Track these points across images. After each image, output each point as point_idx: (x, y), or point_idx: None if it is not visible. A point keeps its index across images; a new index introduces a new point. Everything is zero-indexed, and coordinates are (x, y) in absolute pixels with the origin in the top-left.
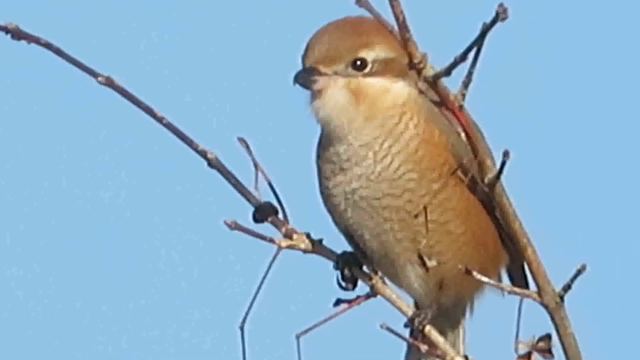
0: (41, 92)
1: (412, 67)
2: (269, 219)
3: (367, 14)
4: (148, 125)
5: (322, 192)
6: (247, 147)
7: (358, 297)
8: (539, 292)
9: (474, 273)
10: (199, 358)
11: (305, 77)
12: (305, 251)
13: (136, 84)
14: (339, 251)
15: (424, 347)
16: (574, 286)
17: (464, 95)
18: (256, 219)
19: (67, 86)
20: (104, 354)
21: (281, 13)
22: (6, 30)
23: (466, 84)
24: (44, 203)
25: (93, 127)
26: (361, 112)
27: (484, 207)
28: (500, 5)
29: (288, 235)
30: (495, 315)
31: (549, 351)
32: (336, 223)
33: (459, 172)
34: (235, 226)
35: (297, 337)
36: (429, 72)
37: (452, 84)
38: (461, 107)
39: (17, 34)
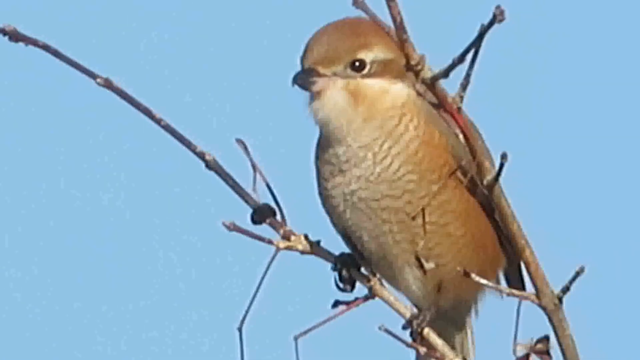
0: (40, 94)
1: (409, 69)
2: (267, 221)
3: (365, 16)
4: (146, 127)
5: (320, 194)
6: (245, 148)
7: (356, 298)
8: (537, 294)
9: (473, 275)
10: (198, 359)
11: (304, 78)
12: (303, 252)
13: (136, 84)
14: (337, 253)
15: (422, 350)
16: (572, 288)
17: (462, 97)
18: (254, 221)
19: (65, 88)
20: (103, 355)
21: (281, 13)
22: (4, 32)
23: (464, 86)
24: (43, 204)
25: (92, 128)
26: (360, 114)
27: (483, 210)
28: (498, 7)
29: (286, 237)
30: (493, 317)
31: (547, 353)
32: (334, 224)
33: (459, 174)
34: (233, 227)
35: (295, 338)
36: (427, 74)
37: (450, 86)
38: (459, 109)
39: (15, 36)
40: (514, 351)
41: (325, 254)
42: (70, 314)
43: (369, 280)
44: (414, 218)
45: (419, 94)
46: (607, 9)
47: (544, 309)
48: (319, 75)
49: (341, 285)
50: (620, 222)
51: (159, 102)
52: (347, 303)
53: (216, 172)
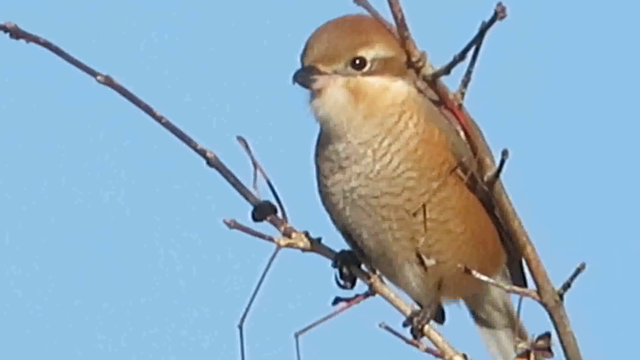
0: (40, 91)
1: (410, 65)
2: (268, 218)
3: (366, 13)
4: (147, 124)
5: (320, 191)
6: (246, 146)
7: (357, 295)
8: (539, 290)
9: (474, 272)
10: (198, 356)
11: (305, 76)
12: (304, 250)
13: (136, 84)
14: (337, 250)
15: (422, 347)
16: (573, 285)
17: (463, 94)
18: (255, 218)
19: (66, 85)
20: (104, 352)
21: (281, 13)
22: (5, 29)
23: (465, 83)
24: (43, 201)
25: (92, 126)
26: (360, 111)
27: (484, 206)
28: (499, 4)
29: (287, 234)
30: None
31: (549, 350)
32: (334, 222)
33: (459, 171)
34: (234, 225)
35: (296, 335)
36: (428, 70)
37: (451, 83)
38: (460, 105)
39: (16, 33)
40: (515, 348)
41: (326, 251)
42: (71, 311)
43: (369, 278)
44: (414, 215)
45: (420, 91)
46: (608, 7)
47: (545, 305)
48: (320, 73)
49: (342, 282)
50: (621, 219)
51: (159, 102)
52: (348, 300)
53: (217, 169)
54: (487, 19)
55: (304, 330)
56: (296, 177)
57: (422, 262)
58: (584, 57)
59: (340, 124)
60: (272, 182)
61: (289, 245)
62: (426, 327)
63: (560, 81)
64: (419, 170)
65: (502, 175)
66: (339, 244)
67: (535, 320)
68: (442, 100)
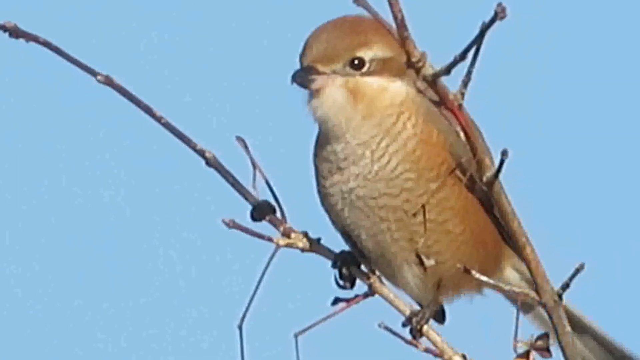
0: (40, 90)
1: (410, 66)
2: (267, 218)
3: (365, 13)
4: (147, 124)
5: (319, 192)
6: (245, 146)
7: (356, 296)
8: (538, 291)
9: (473, 272)
10: (198, 357)
11: (303, 76)
12: (303, 250)
13: (136, 84)
14: (337, 250)
15: (421, 347)
16: (572, 285)
17: (463, 95)
18: (254, 218)
19: (66, 85)
20: (103, 352)
21: (281, 13)
22: (4, 28)
23: (465, 83)
24: (43, 201)
25: (92, 125)
26: (359, 111)
27: (483, 205)
28: (499, 4)
29: (286, 234)
30: (494, 313)
31: (547, 350)
32: (333, 222)
33: (458, 171)
34: (233, 225)
35: (296, 336)
36: (428, 71)
37: (451, 83)
38: (460, 106)
39: (16, 33)
40: (514, 348)
41: (325, 252)
42: (70, 311)
43: (368, 278)
44: (414, 215)
45: (419, 91)
46: (608, 7)
47: (544, 305)
48: (318, 73)
49: (341, 282)
50: (620, 219)
51: (159, 102)
52: (347, 300)
53: (216, 169)
54: (487, 19)
55: (304, 330)
56: (295, 177)
57: (421, 263)
58: (584, 57)
59: (338, 124)
60: (271, 182)
61: (288, 246)
62: (425, 327)
63: (560, 81)
64: (417, 171)
65: (501, 176)
66: (339, 244)
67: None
68: (442, 101)
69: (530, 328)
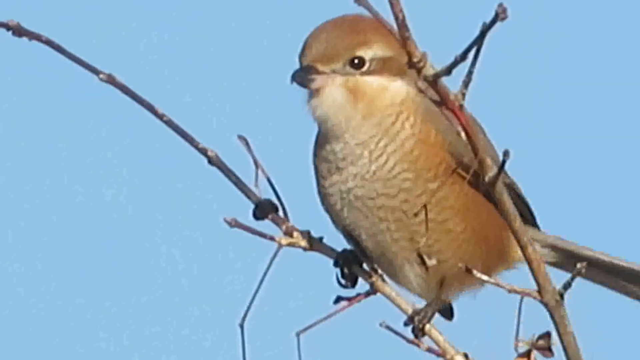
0: (42, 89)
1: (411, 66)
2: (269, 217)
3: (365, 13)
4: (149, 123)
5: (319, 192)
6: (247, 144)
7: (358, 294)
8: (539, 290)
9: (474, 272)
10: (199, 355)
11: (303, 76)
12: (305, 249)
13: (136, 84)
14: (339, 249)
15: (423, 346)
16: (573, 284)
17: (464, 95)
18: (256, 217)
19: (68, 83)
20: (106, 350)
21: (281, 13)
22: (7, 27)
23: (466, 84)
24: (46, 200)
25: (94, 124)
26: (359, 111)
27: (485, 201)
28: (500, 5)
29: (288, 233)
30: (495, 313)
31: (549, 349)
32: (334, 222)
33: (459, 171)
34: (235, 224)
35: (297, 334)
36: (429, 71)
37: (452, 84)
38: (461, 106)
39: (19, 31)
40: (516, 347)
41: (328, 250)
42: (73, 309)
43: (370, 277)
44: (415, 215)
45: (420, 91)
46: (609, 7)
47: (545, 305)
48: (318, 72)
49: (343, 281)
50: (621, 218)
51: (159, 102)
52: (349, 299)
53: (218, 167)
54: (488, 19)
55: (305, 329)
56: (297, 176)
57: (423, 263)
58: (585, 57)
59: (338, 124)
60: (273, 181)
61: (290, 245)
62: (427, 327)
63: (560, 81)
64: (415, 172)
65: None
66: (341, 243)
67: (536, 319)
68: (443, 101)
69: (532, 327)
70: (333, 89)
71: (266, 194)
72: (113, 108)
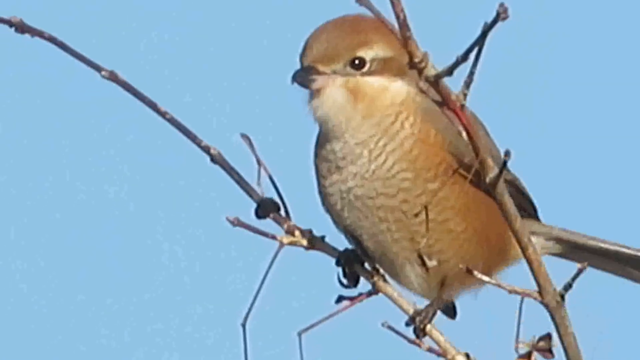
0: (45, 85)
1: (413, 66)
2: (271, 216)
3: (366, 13)
4: (151, 120)
5: (320, 192)
6: (250, 143)
7: (360, 294)
8: (540, 291)
9: (475, 272)
10: (201, 354)
11: (304, 76)
12: (307, 248)
13: (136, 84)
14: (341, 248)
15: (424, 346)
16: (574, 286)
17: (465, 95)
18: (258, 215)
19: (70, 80)
20: (108, 348)
21: (281, 13)
22: (10, 23)
23: (468, 84)
24: (48, 197)
25: (96, 121)
26: (359, 111)
27: (487, 200)
28: (501, 5)
29: (290, 232)
30: (495, 314)
31: (550, 350)
32: (335, 222)
33: (460, 171)
34: (237, 223)
35: (299, 334)
36: (431, 71)
37: (453, 84)
38: (463, 106)
39: (21, 28)
40: (517, 348)
41: (330, 250)
42: (75, 306)
43: (372, 276)
44: (416, 215)
45: (421, 91)
46: (608, 7)
47: (546, 306)
48: (319, 73)
49: (344, 281)
50: (622, 219)
51: (162, 99)
52: (351, 299)
53: (221, 166)
54: (489, 19)
55: (307, 328)
56: (299, 175)
57: (423, 264)
58: (586, 57)
59: (339, 124)
60: (276, 180)
61: (292, 243)
62: (428, 327)
63: (562, 82)
64: (414, 171)
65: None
66: (343, 242)
67: (536, 320)
68: (444, 101)
69: (532, 328)
70: (334, 89)
71: (268, 192)
72: (115, 105)
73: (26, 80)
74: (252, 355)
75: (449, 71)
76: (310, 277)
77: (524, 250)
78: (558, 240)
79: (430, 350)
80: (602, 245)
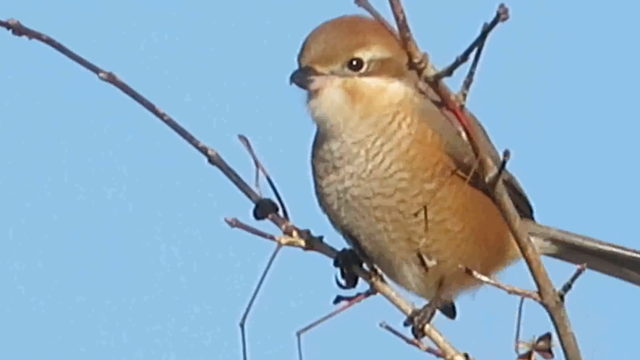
0: (42, 87)
1: (412, 67)
2: (269, 216)
3: (365, 14)
4: (149, 122)
5: (317, 192)
6: (248, 144)
7: (358, 294)
8: (539, 291)
9: (474, 273)
10: (200, 354)
11: (302, 77)
12: (305, 248)
13: (136, 84)
14: (339, 248)
15: (423, 346)
16: (574, 286)
17: (465, 96)
18: (256, 216)
19: (68, 82)
20: (106, 349)
21: (281, 13)
22: (7, 25)
23: (467, 84)
24: (46, 198)
25: (94, 123)
26: (357, 111)
27: (484, 199)
28: (501, 5)
29: (288, 232)
30: (495, 314)
31: (549, 351)
32: (332, 223)
33: (459, 171)
34: (235, 224)
35: (298, 334)
36: (430, 72)
37: (453, 85)
38: (462, 107)
39: (19, 30)
40: (516, 349)
41: (328, 250)
42: (73, 307)
43: (370, 277)
44: (415, 215)
45: (420, 91)
46: (609, 7)
47: (545, 306)
48: (317, 73)
49: (342, 281)
50: (622, 219)
51: (159, 102)
52: (349, 299)
53: (219, 167)
54: (489, 20)
55: (306, 329)
56: (298, 175)
57: (423, 264)
58: (586, 58)
59: (336, 125)
60: (274, 181)
61: (290, 244)
62: (427, 327)
63: (562, 82)
64: (411, 171)
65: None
66: (340, 242)
67: (536, 321)
68: (444, 102)
69: (532, 328)
70: (331, 90)
71: (266, 193)
72: (113, 107)
73: (24, 83)
74: (251, 355)
75: (449, 72)
76: (309, 277)
77: (523, 251)
78: (554, 240)
79: (429, 350)
80: (599, 246)
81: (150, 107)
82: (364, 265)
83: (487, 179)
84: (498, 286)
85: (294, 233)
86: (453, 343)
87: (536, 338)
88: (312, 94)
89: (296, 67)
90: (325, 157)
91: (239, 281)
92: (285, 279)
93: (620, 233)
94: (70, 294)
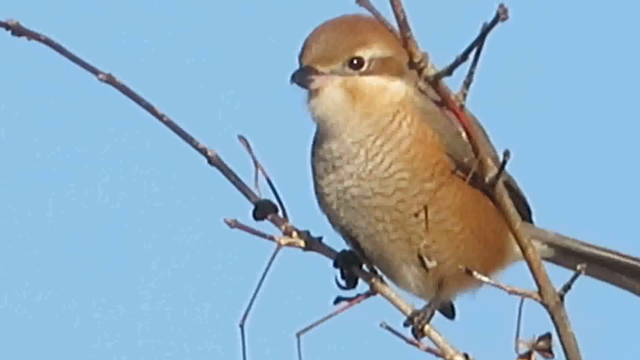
0: (41, 88)
1: (412, 66)
2: (269, 217)
3: (365, 13)
4: (149, 123)
5: (317, 192)
6: (247, 145)
7: (358, 295)
8: (539, 291)
9: (474, 273)
10: (199, 355)
11: (302, 77)
12: (304, 249)
13: (136, 84)
14: (338, 249)
15: (423, 346)
16: (573, 286)
17: (464, 95)
18: (256, 217)
19: (67, 83)
20: (104, 351)
21: (281, 13)
22: (6, 26)
23: (467, 84)
24: (44, 200)
25: (93, 124)
26: (357, 110)
27: (485, 199)
28: (501, 5)
29: (288, 233)
30: (495, 314)
31: (549, 350)
32: (332, 223)
33: (459, 172)
34: (235, 225)
35: (298, 335)
36: (430, 71)
37: (453, 84)
38: (462, 106)
39: (18, 30)
40: (517, 348)
41: (327, 251)
42: (71, 309)
43: (370, 277)
44: (416, 215)
45: (421, 91)
46: (608, 7)
47: (545, 306)
48: (317, 73)
49: (342, 282)
50: (622, 219)
51: (159, 102)
52: (349, 300)
53: (218, 168)
54: (489, 20)
55: (305, 329)
56: (297, 176)
57: (423, 264)
58: (585, 57)
59: (337, 124)
60: (273, 181)
61: (289, 245)
62: (427, 327)
63: (561, 82)
64: (411, 171)
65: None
66: (340, 243)
67: (536, 321)
68: (444, 101)
69: (532, 328)
70: (332, 89)
71: (266, 194)
72: (112, 108)
73: (23, 83)
74: (251, 356)
75: (449, 71)
76: (308, 278)
77: (523, 251)
78: (553, 244)
79: (428, 350)
80: (595, 252)
81: (150, 109)
82: (364, 266)
83: (487, 179)
84: (498, 286)
85: (294, 234)
86: (453, 343)
87: (536, 338)
88: (313, 94)
89: (297, 66)
90: (324, 157)
91: (239, 282)
92: (285, 280)
93: (620, 233)
94: (70, 296)
